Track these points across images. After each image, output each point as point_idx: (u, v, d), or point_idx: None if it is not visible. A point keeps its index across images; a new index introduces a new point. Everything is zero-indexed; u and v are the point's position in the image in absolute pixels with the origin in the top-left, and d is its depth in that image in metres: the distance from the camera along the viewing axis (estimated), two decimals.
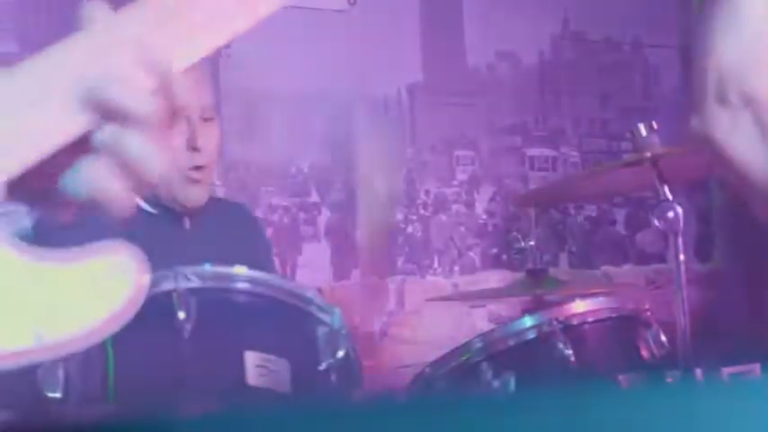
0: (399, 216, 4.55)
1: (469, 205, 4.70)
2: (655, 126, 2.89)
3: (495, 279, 4.53)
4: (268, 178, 4.28)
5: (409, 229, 4.56)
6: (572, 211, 4.92)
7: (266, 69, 4.22)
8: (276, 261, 4.19)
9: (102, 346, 2.31)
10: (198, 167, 2.92)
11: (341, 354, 2.38)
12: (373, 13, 4.43)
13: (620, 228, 4.97)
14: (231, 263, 2.79)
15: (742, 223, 4.96)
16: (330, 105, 4.40)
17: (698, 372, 2.73)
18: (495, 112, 4.86)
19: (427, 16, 4.69)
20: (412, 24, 4.65)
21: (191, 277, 2.32)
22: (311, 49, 4.29)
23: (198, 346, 2.27)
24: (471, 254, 4.65)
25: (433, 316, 4.43)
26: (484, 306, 4.44)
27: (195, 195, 2.96)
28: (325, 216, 4.41)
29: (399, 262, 4.52)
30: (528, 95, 4.95)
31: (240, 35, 1.06)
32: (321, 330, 2.40)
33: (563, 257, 4.88)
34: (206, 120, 2.96)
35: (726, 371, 2.92)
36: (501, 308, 4.45)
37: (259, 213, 4.16)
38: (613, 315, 2.77)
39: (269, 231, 4.18)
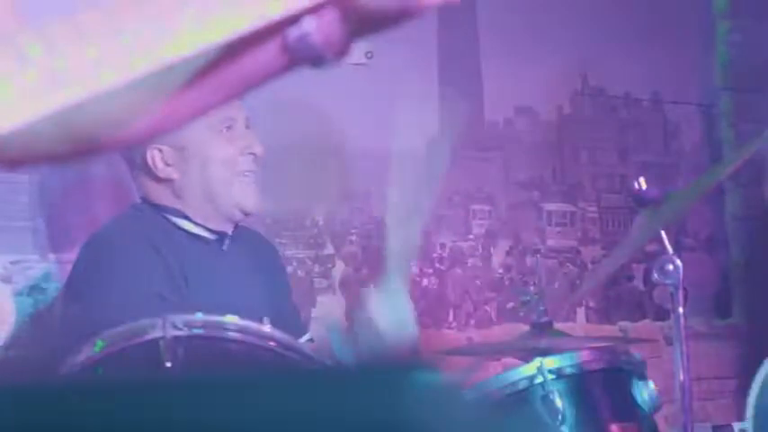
0: (414, 270, 4.56)
1: (485, 259, 4.72)
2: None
3: (511, 333, 4.53)
4: (282, 230, 4.32)
5: (424, 283, 4.58)
6: (590, 266, 4.92)
7: (280, 121, 4.26)
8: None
9: None
10: (251, 172, 3.01)
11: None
12: (391, 65, 4.48)
13: (638, 283, 4.96)
14: (260, 291, 2.84)
15: (761, 280, 4.95)
16: (346, 158, 4.44)
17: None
18: (512, 166, 4.88)
19: (445, 70, 4.73)
20: (430, 77, 4.69)
21: (179, 325, 2.36)
22: (327, 102, 4.33)
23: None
24: (487, 307, 4.65)
25: (449, 370, 4.42)
26: (499, 359, 4.43)
27: (254, 199, 3.04)
28: (339, 268, 4.44)
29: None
30: (546, 150, 4.97)
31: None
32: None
33: (580, 312, 4.88)
34: (248, 127, 3.05)
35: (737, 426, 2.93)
36: (516, 361, 4.44)
37: None
38: (605, 366, 2.79)
39: None
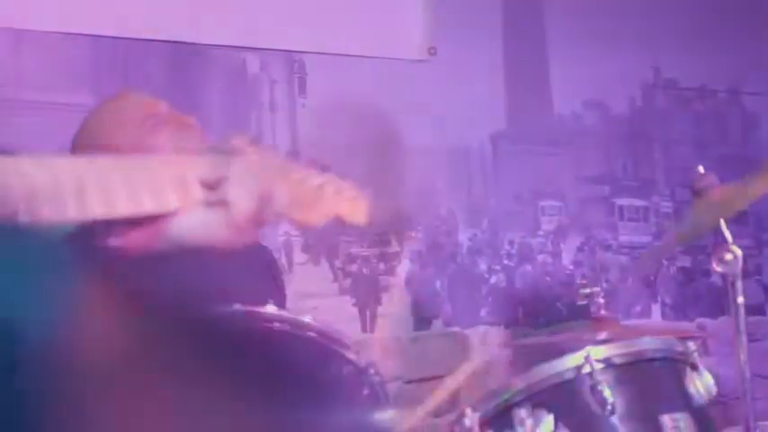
0: (483, 266, 4.52)
1: (556, 255, 4.66)
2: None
3: (581, 328, 4.45)
4: (347, 228, 4.30)
5: (493, 280, 4.53)
6: (664, 262, 4.83)
7: (345, 119, 4.25)
8: (355, 311, 4.22)
9: None
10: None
11: (366, 392, 2.37)
12: (456, 61, 4.45)
13: (717, 279, 4.85)
14: (235, 292, 2.85)
15: None
16: (411, 154, 4.42)
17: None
18: (582, 161, 4.82)
19: (512, 64, 4.68)
20: (496, 72, 4.64)
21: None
22: (391, 99, 4.31)
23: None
24: (558, 304, 4.59)
25: (518, 367, 4.37)
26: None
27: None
28: (405, 266, 4.41)
29: (483, 312, 4.48)
30: (616, 144, 4.90)
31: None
32: (347, 369, 2.40)
33: (656, 309, 4.79)
34: None
35: None
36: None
37: (338, 264, 4.19)
38: (658, 356, 2.71)
39: (347, 282, 4.21)
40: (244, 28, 4.04)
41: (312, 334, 2.42)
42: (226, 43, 4.13)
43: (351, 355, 2.41)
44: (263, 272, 3.27)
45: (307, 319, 2.47)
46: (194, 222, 1.26)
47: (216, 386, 2.29)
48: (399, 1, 4.36)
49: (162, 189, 1.24)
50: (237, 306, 2.40)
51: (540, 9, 4.77)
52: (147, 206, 1.23)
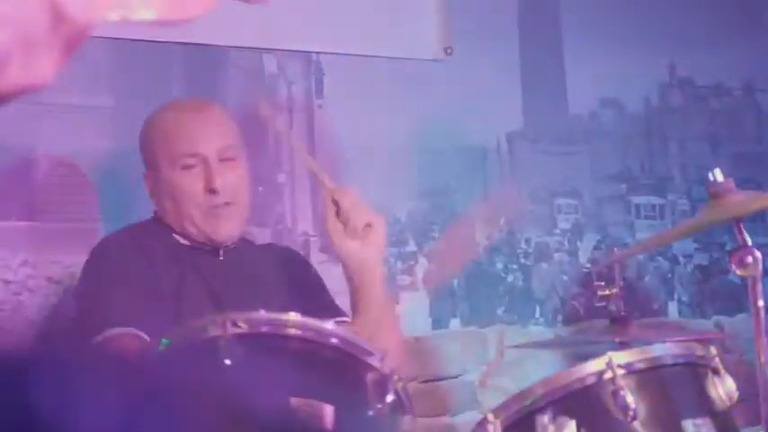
0: (499, 265, 4.54)
1: (572, 254, 4.67)
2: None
3: (599, 328, 4.47)
4: None
5: (510, 278, 4.54)
6: (681, 260, 4.84)
7: (361, 119, 4.27)
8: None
9: None
10: (219, 206, 3.05)
11: (390, 398, 2.38)
12: (472, 61, 4.47)
13: (734, 277, 4.86)
14: (265, 295, 2.88)
15: None
16: (427, 154, 4.43)
17: None
18: (598, 159, 4.83)
19: (528, 63, 4.69)
20: (512, 71, 4.65)
21: (239, 323, 2.35)
22: (407, 98, 4.33)
23: (242, 392, 2.30)
24: (575, 303, 4.60)
25: (534, 365, 4.39)
26: (588, 356, 4.37)
27: (223, 230, 3.11)
28: (422, 265, 4.42)
29: (500, 311, 4.50)
30: (633, 142, 4.91)
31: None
32: (370, 375, 2.41)
33: (673, 307, 4.81)
34: (224, 160, 3.09)
35: None
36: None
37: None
38: (680, 361, 2.72)
39: None
40: (261, 29, 4.06)
41: (335, 341, 2.44)
42: (243, 44, 4.14)
43: (374, 362, 2.43)
44: (287, 272, 3.32)
45: (329, 325, 2.50)
46: None
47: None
48: (415, 1, 4.37)
49: None
50: (262, 312, 2.43)
51: (555, 9, 4.78)
52: None
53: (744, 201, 3.00)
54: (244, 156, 3.20)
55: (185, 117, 3.16)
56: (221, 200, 3.07)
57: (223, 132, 3.16)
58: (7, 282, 3.72)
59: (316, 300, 3.23)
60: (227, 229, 3.10)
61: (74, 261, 3.72)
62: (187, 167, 3.09)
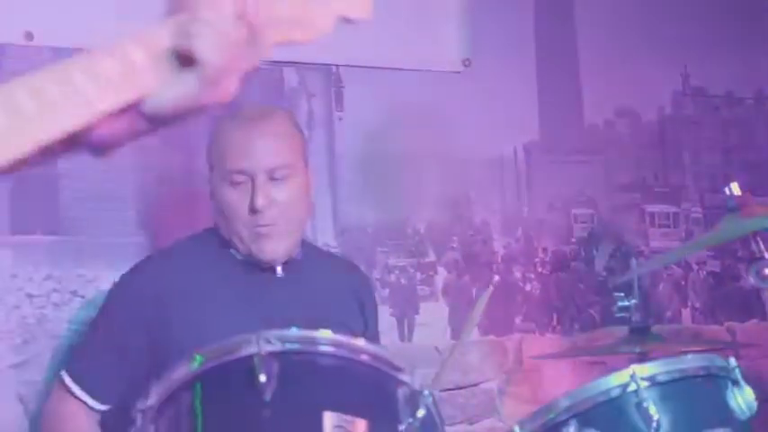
0: (517, 275, 4.59)
1: (588, 262, 4.72)
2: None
3: (615, 336, 4.52)
4: (384, 239, 4.37)
5: (527, 288, 4.60)
6: (694, 267, 4.90)
7: (381, 131, 4.32)
8: (393, 321, 4.29)
9: (191, 405, 2.45)
10: (263, 226, 3.06)
11: (421, 413, 2.43)
12: (489, 72, 4.52)
13: (746, 283, 4.91)
14: (320, 314, 2.91)
15: None
16: (446, 165, 4.48)
17: None
18: (613, 168, 4.88)
19: (544, 75, 4.74)
20: (529, 83, 4.71)
21: (272, 341, 2.40)
22: (426, 110, 4.38)
23: (278, 408, 2.35)
24: (591, 311, 4.65)
25: (553, 374, 4.44)
26: (604, 363, 4.42)
27: (268, 250, 3.11)
28: (441, 275, 4.48)
29: (518, 320, 4.55)
30: (647, 152, 4.96)
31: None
32: (401, 391, 2.46)
33: (686, 313, 4.86)
34: (274, 179, 3.09)
35: None
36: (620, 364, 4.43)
37: (376, 274, 4.26)
38: (701, 373, 2.77)
39: (385, 292, 4.28)
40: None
41: (366, 357, 2.49)
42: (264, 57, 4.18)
43: (405, 377, 2.48)
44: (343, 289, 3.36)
45: (360, 342, 2.55)
46: (169, 94, 1.20)
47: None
48: (435, 14, 4.42)
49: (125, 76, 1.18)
50: (293, 329, 2.48)
51: (571, 21, 4.83)
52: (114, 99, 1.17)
53: (762, 215, 3.05)
54: (302, 172, 3.19)
55: (240, 130, 3.13)
56: (265, 221, 3.07)
57: (278, 149, 3.13)
58: (31, 296, 3.77)
59: (370, 331, 3.30)
60: (272, 249, 3.11)
61: (96, 275, 3.79)
62: (235, 184, 3.10)
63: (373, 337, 3.29)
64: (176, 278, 3.14)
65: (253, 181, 3.07)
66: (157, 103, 1.17)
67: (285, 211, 3.11)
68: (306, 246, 3.31)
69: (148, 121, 1.18)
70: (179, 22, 1.17)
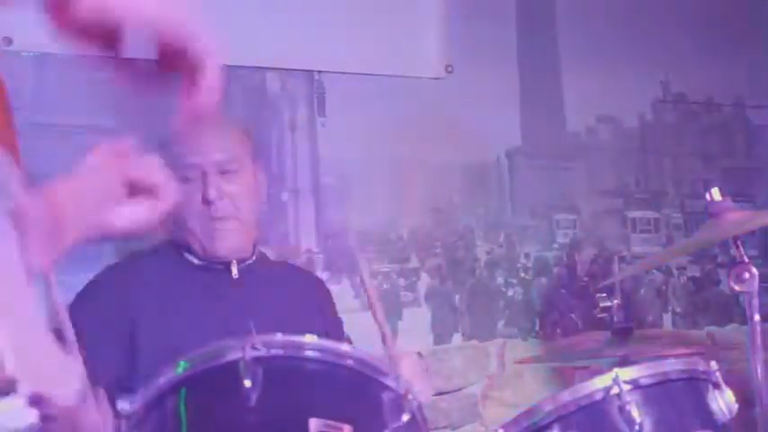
0: (500, 280, 4.61)
1: (570, 268, 4.74)
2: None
3: (596, 340, 4.54)
4: (367, 245, 4.38)
5: (510, 293, 4.61)
6: (675, 272, 4.93)
7: (363, 137, 4.33)
8: (377, 326, 4.29)
9: (175, 411, 2.44)
10: (217, 219, 3.08)
11: (406, 418, 2.43)
12: (472, 79, 4.54)
13: (725, 288, 4.95)
14: (278, 316, 2.92)
15: None
16: (428, 171, 4.50)
17: None
18: (595, 175, 4.91)
19: (526, 82, 4.76)
20: (511, 89, 4.73)
21: (258, 346, 2.40)
22: (409, 116, 4.40)
23: (263, 414, 2.35)
24: (573, 316, 4.68)
25: (535, 378, 4.46)
26: (587, 368, 4.44)
27: (223, 244, 3.14)
28: (425, 281, 4.49)
29: (500, 325, 4.57)
30: (629, 158, 5.00)
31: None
32: (386, 395, 2.46)
33: (667, 318, 4.89)
34: (225, 173, 3.12)
35: None
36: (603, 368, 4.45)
37: (359, 280, 4.26)
38: (683, 376, 2.79)
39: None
40: (263, 48, 4.11)
41: (351, 362, 2.49)
42: (246, 64, 4.19)
43: (389, 382, 2.48)
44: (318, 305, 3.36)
45: (345, 347, 2.55)
46: (126, 215, 1.31)
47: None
48: (416, 20, 4.44)
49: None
50: (279, 335, 2.48)
51: (553, 28, 4.86)
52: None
53: (742, 220, 3.08)
54: (250, 170, 3.22)
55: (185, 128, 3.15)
56: (217, 212, 3.11)
57: (225, 144, 3.17)
58: None
59: (337, 333, 3.30)
60: (227, 243, 3.14)
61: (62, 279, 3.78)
62: (186, 180, 3.10)
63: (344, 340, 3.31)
64: (137, 287, 3.14)
65: (204, 175, 3.11)
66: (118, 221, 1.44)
67: (236, 202, 3.15)
68: (260, 253, 3.33)
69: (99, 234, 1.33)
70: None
